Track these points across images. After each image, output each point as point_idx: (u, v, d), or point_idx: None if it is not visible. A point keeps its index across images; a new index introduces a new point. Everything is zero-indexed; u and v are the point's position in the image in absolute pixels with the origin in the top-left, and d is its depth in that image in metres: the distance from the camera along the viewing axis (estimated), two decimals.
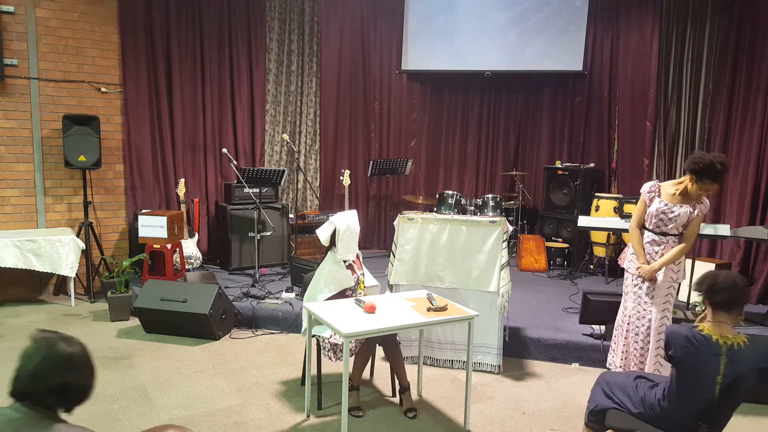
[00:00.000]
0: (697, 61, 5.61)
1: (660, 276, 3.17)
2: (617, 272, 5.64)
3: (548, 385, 3.60)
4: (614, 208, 5.37)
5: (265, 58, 6.11)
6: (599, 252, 5.88)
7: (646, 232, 3.25)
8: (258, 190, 5.22)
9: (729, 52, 5.26)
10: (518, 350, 3.96)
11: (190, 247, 5.42)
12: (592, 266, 5.95)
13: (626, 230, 4.93)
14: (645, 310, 3.20)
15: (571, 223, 5.95)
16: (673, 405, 2.18)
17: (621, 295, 3.40)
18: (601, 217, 5.43)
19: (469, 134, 6.98)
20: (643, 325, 3.19)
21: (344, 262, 3.24)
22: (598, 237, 5.81)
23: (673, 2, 5.72)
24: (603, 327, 3.92)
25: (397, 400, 3.29)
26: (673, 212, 3.12)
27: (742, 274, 5.02)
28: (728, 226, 4.51)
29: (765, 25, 4.96)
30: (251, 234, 5.20)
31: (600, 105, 6.44)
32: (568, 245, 6.09)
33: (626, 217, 4.78)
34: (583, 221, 4.89)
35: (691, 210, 3.11)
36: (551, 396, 3.44)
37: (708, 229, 4.41)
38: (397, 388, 3.25)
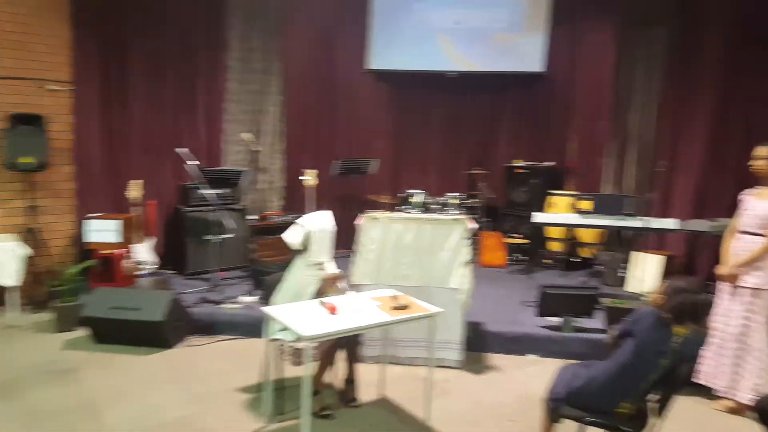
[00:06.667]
0: (649, 64, 5.84)
1: None
2: (571, 266, 5.83)
3: (507, 377, 3.67)
4: (571, 204, 5.52)
5: (226, 55, 5.98)
6: (555, 247, 6.03)
7: None
8: (217, 191, 5.10)
9: (677, 57, 5.49)
10: (479, 345, 4.02)
11: (144, 251, 5.23)
12: (548, 260, 6.11)
13: (581, 225, 5.09)
14: None
15: (529, 220, 6.07)
16: (612, 377, 2.31)
17: (575, 287, 3.49)
18: (557, 213, 5.58)
19: (433, 133, 7.03)
20: None
21: (317, 265, 3.20)
22: (554, 232, 5.96)
23: (628, 9, 5.93)
24: (559, 319, 4.02)
25: (361, 400, 3.28)
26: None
27: (688, 268, 5.28)
28: (675, 220, 4.72)
29: (709, 30, 5.19)
30: (209, 237, 5.07)
31: (558, 105, 6.62)
32: (526, 241, 6.23)
33: (582, 212, 4.93)
34: (538, 217, 5.01)
35: None
36: (510, 388, 3.51)
37: (656, 223, 4.60)
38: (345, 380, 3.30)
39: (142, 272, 5.10)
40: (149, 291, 4.41)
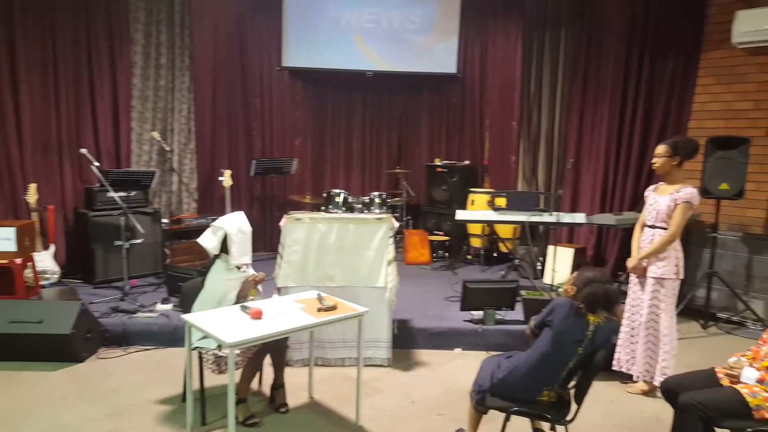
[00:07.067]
0: (554, 66, 6.18)
1: None
2: (491, 261, 6.07)
3: (434, 372, 3.75)
4: (487, 201, 5.73)
5: (130, 49, 5.62)
6: (475, 243, 6.25)
7: None
8: (125, 194, 4.80)
9: (581, 58, 5.84)
10: (406, 341, 4.07)
11: (46, 260, 4.82)
12: (470, 256, 6.32)
13: (498, 222, 5.31)
14: None
15: (450, 217, 6.24)
16: (533, 367, 2.41)
17: (496, 281, 3.62)
18: (476, 210, 5.78)
19: (353, 133, 7.02)
20: None
21: (238, 268, 3.10)
22: (475, 229, 6.17)
23: (533, 10, 6.23)
24: (481, 312, 4.17)
25: (290, 405, 3.22)
26: None
27: (597, 259, 5.66)
28: (583, 214, 5.04)
29: (609, 33, 5.59)
30: (118, 243, 4.75)
31: (472, 106, 6.85)
32: (448, 238, 6.40)
33: (498, 209, 5.14)
34: (460, 215, 5.17)
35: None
36: (437, 382, 3.58)
37: (566, 218, 4.89)
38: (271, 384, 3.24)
39: (46, 282, 4.70)
40: (54, 302, 4.07)
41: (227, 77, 6.29)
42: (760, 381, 2.33)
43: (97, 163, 4.65)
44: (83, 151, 4.71)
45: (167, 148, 5.62)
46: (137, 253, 5.09)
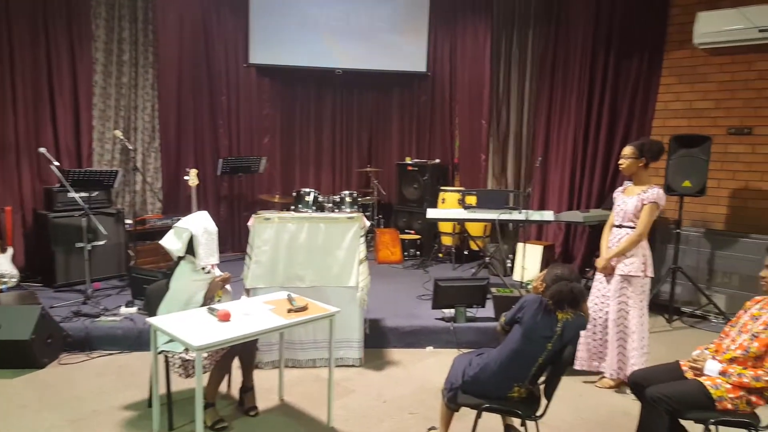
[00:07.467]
0: (523, 65, 6.25)
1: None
2: (462, 259, 6.10)
3: (406, 371, 3.74)
4: (458, 200, 5.76)
5: (91, 45, 5.44)
6: (446, 241, 6.27)
7: None
8: (87, 195, 4.65)
9: (548, 57, 5.93)
10: (378, 341, 4.06)
11: (3, 263, 4.63)
12: (441, 254, 6.34)
13: (468, 220, 5.34)
14: None
15: (422, 216, 6.25)
16: (503, 363, 2.42)
17: (466, 279, 3.62)
18: (447, 209, 5.80)
19: (323, 131, 6.96)
20: None
21: (203, 269, 3.02)
22: (446, 227, 6.20)
23: (501, 9, 6.29)
24: (453, 310, 4.18)
25: (260, 408, 3.16)
26: None
27: (566, 256, 5.75)
28: (552, 212, 5.10)
29: (575, 33, 5.68)
30: (80, 244, 4.59)
31: (442, 104, 6.87)
32: (420, 236, 6.41)
33: (468, 208, 5.16)
34: (431, 213, 5.18)
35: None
36: (409, 381, 3.58)
37: (535, 215, 4.96)
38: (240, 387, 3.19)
39: (3, 287, 4.52)
40: (13, 307, 3.92)
41: (192, 74, 6.16)
42: (723, 373, 2.39)
43: (56, 163, 4.48)
44: (42, 150, 4.52)
45: (130, 147, 5.46)
46: (100, 255, 4.94)
